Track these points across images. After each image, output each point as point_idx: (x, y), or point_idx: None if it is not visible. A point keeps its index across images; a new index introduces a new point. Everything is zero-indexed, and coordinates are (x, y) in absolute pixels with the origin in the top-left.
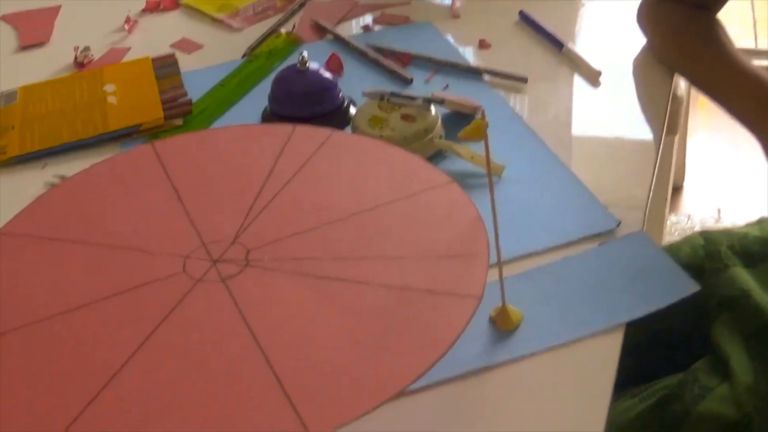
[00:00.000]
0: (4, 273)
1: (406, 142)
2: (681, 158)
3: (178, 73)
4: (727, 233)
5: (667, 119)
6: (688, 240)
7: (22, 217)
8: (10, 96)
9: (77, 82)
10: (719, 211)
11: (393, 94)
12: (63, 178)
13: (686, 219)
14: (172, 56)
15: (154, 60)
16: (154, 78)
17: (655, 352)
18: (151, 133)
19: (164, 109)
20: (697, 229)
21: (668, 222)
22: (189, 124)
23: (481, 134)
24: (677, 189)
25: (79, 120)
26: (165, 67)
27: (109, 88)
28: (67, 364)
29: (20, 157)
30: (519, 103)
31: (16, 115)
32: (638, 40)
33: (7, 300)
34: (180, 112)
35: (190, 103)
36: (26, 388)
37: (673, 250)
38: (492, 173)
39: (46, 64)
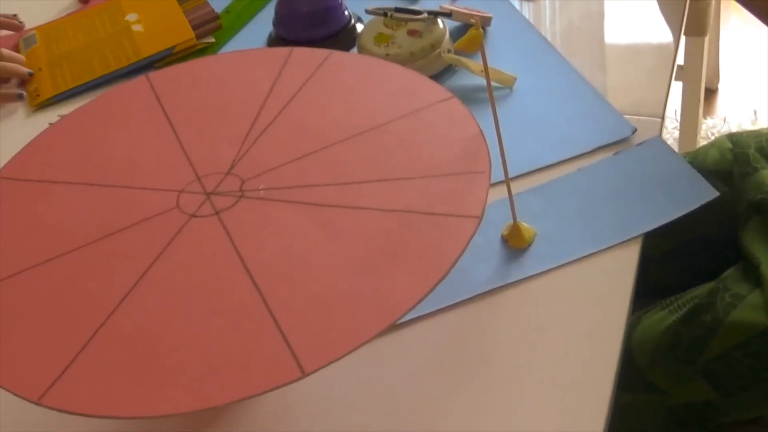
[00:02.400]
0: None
1: (413, 58)
2: (714, 60)
3: None
4: (756, 135)
5: (686, 18)
6: (715, 144)
7: (18, 160)
8: (29, 39)
9: (96, 16)
10: (755, 112)
11: (397, 10)
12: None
13: (722, 122)
14: None
15: None
16: (176, 1)
17: (684, 260)
18: (185, 54)
19: (193, 28)
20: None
21: (703, 126)
22: (220, 40)
23: (477, 45)
24: (712, 92)
25: (108, 51)
26: None
27: (132, 17)
28: (64, 305)
29: (56, 97)
30: (532, 11)
31: (41, 57)
32: None
33: (3, 245)
34: (210, 29)
35: (218, 18)
36: (24, 330)
37: (700, 154)
38: (503, 84)
39: (51, 4)
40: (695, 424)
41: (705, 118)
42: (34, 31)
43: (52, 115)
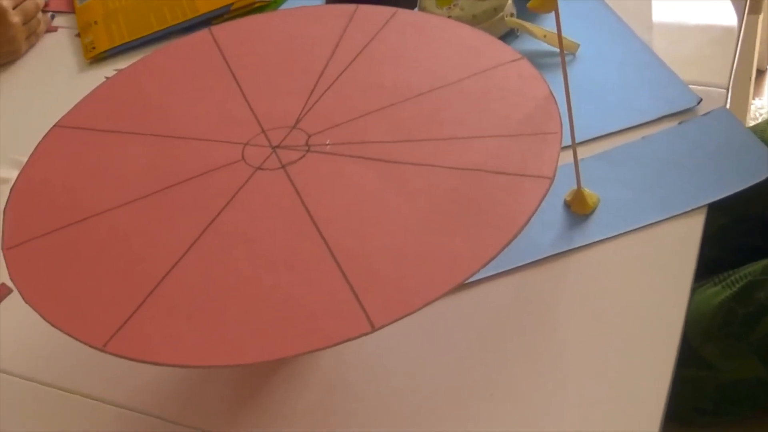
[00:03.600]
0: (62, 166)
1: (475, 21)
2: (765, 41)
3: None
4: None
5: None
6: None
7: (78, 110)
8: None
9: None
10: None
11: None
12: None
13: None
14: None
15: None
16: None
17: (738, 237)
18: (242, 11)
19: None
20: None
21: (752, 107)
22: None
23: (551, 4)
24: (761, 73)
25: (165, 7)
26: None
27: None
28: (130, 252)
29: (112, 50)
30: None
31: (96, 11)
32: None
33: (67, 193)
34: None
35: None
36: (89, 277)
37: (758, 131)
38: (566, 51)
39: None
40: (746, 402)
41: (753, 98)
42: None
43: (108, 69)
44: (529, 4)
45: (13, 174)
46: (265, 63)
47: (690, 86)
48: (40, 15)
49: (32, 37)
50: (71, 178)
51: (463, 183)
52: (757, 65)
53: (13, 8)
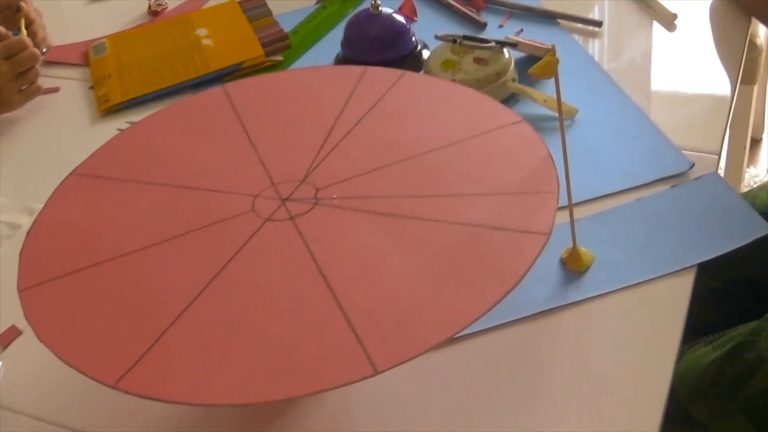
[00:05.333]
0: (78, 212)
1: (479, 85)
2: (760, 110)
3: (270, 13)
4: None
5: (743, 66)
6: (764, 187)
7: (93, 159)
8: (99, 47)
9: (167, 28)
10: None
11: (466, 37)
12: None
13: (765, 172)
14: None
15: (241, 3)
16: (246, 19)
17: (729, 300)
18: (253, 69)
19: (263, 46)
20: None
21: (746, 175)
22: (288, 59)
23: (551, 71)
24: (756, 141)
25: (178, 63)
26: (255, 9)
27: (202, 32)
28: (144, 296)
29: (125, 103)
30: (594, 47)
31: (110, 64)
32: None
33: (82, 238)
34: (279, 48)
35: (287, 37)
36: (104, 318)
37: (749, 197)
38: (565, 116)
39: (121, 14)
40: None
41: (748, 166)
42: (104, 40)
43: (120, 122)
44: (530, 71)
45: (26, 220)
46: (276, 119)
47: (683, 151)
48: (38, 66)
49: (30, 88)
50: (86, 224)
51: (465, 237)
52: (752, 134)
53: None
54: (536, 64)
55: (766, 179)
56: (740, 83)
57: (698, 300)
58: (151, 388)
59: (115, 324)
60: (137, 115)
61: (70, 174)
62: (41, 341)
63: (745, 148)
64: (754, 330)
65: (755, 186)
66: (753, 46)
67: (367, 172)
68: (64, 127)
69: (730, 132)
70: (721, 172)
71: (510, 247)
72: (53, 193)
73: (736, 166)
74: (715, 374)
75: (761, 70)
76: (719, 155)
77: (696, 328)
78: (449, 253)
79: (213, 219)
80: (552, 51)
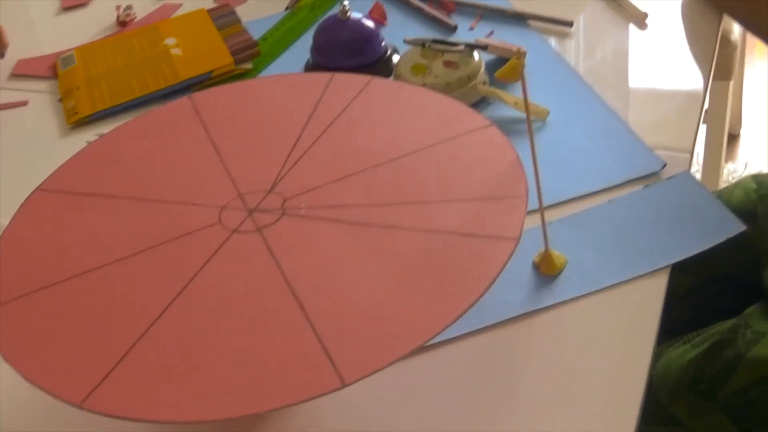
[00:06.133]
0: (43, 228)
1: (449, 89)
2: (737, 106)
3: (238, 21)
4: None
5: (714, 62)
6: (740, 184)
7: (60, 173)
8: (67, 59)
9: (135, 39)
10: None
11: (435, 41)
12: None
13: (743, 167)
14: (227, 6)
15: (209, 11)
16: (215, 27)
17: (707, 298)
18: (223, 78)
19: (232, 54)
20: None
21: (725, 170)
22: (258, 67)
23: (517, 74)
24: (734, 137)
25: (147, 73)
26: (223, 17)
27: (170, 41)
28: (108, 313)
29: (94, 115)
30: (565, 47)
31: (79, 76)
32: None
33: (48, 254)
34: (248, 56)
35: (256, 45)
36: (68, 336)
37: (725, 194)
38: (536, 117)
39: (89, 25)
40: None
41: (726, 162)
42: (72, 52)
43: (90, 134)
44: (496, 74)
45: None
46: (243, 129)
47: (656, 151)
48: None
49: None
50: (52, 240)
51: (433, 245)
52: (730, 129)
53: None
54: (502, 68)
55: (744, 174)
56: (715, 79)
57: (676, 298)
58: (116, 406)
59: (81, 341)
60: (107, 127)
61: (36, 189)
62: (7, 361)
63: (723, 144)
64: (731, 328)
65: (731, 183)
66: (727, 42)
67: (334, 180)
68: (33, 141)
69: (707, 128)
70: (699, 168)
71: (479, 254)
72: (18, 209)
73: (713, 163)
74: (695, 373)
75: (736, 66)
76: (692, 153)
77: (674, 327)
78: (418, 261)
79: (180, 232)
80: (518, 54)
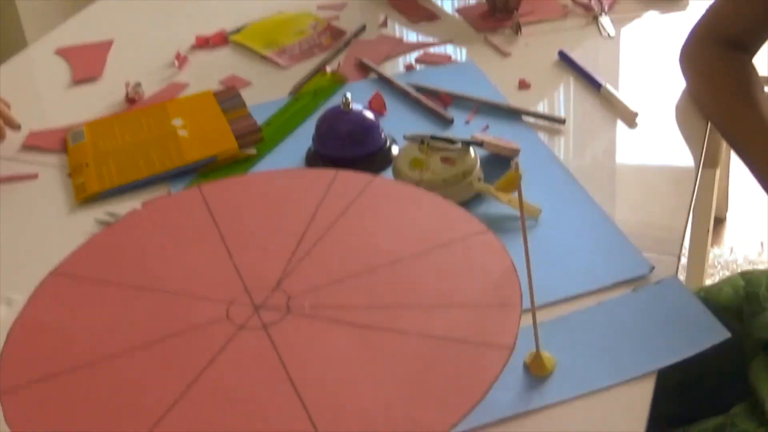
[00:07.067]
0: (55, 315)
1: (446, 185)
2: (723, 190)
3: (244, 105)
4: None
5: (702, 162)
6: (729, 281)
7: (74, 258)
8: (77, 134)
9: (143, 117)
10: (762, 244)
11: (433, 138)
12: (113, 215)
13: (729, 251)
14: (234, 89)
15: (216, 93)
16: (221, 110)
17: (695, 393)
18: (227, 162)
19: (236, 138)
20: (740, 262)
21: (711, 255)
22: (261, 152)
23: (514, 186)
24: (720, 221)
25: (153, 153)
26: (229, 100)
27: (177, 122)
28: (113, 408)
29: (101, 193)
30: (557, 143)
31: (88, 152)
32: (677, 81)
33: (56, 343)
34: (252, 140)
35: (260, 130)
36: (82, 427)
37: (714, 291)
38: (528, 216)
39: (99, 99)
40: None
41: (712, 246)
42: (82, 127)
43: (97, 211)
44: (494, 186)
45: (4, 310)
46: (251, 223)
47: (644, 252)
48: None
49: None
50: (64, 326)
51: (431, 350)
52: (716, 213)
53: None
54: (500, 180)
55: (730, 259)
56: (703, 167)
57: (664, 393)
58: None
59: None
60: (115, 204)
61: (50, 273)
62: None
63: (709, 230)
64: (717, 427)
65: (720, 268)
66: (713, 130)
67: (337, 280)
68: (42, 215)
69: (693, 214)
70: (685, 252)
71: (474, 361)
72: (34, 292)
73: (699, 248)
74: None
75: (723, 153)
76: (678, 257)
77: (666, 421)
78: (416, 366)
79: (188, 325)
80: (516, 166)
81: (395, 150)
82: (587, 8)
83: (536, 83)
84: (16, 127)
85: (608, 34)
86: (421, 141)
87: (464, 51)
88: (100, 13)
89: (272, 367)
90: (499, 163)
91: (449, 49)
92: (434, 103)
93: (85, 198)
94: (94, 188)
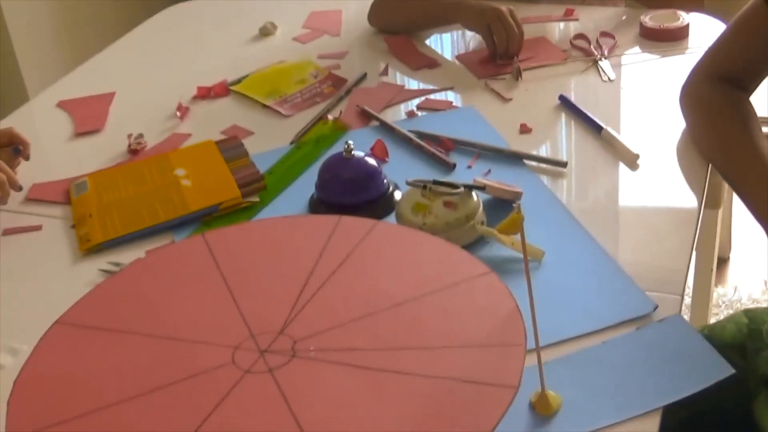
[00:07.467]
0: (60, 363)
1: (448, 228)
2: (726, 230)
3: (246, 154)
4: None
5: (704, 203)
6: (733, 318)
7: (78, 307)
8: (80, 185)
9: (145, 167)
10: (766, 283)
11: (435, 182)
12: (117, 265)
13: (733, 291)
14: (236, 138)
15: (218, 143)
16: (223, 159)
17: (700, 430)
18: (230, 211)
19: (239, 187)
20: (744, 301)
21: (714, 294)
22: (264, 200)
23: (517, 228)
24: (723, 261)
25: (157, 203)
26: (231, 149)
27: (180, 171)
28: None
29: (106, 243)
30: (559, 186)
31: (91, 203)
32: (677, 122)
33: (62, 391)
34: (255, 189)
35: (262, 179)
36: None
37: (718, 328)
38: (532, 258)
39: (101, 151)
40: None
41: (716, 286)
42: (85, 178)
43: (101, 261)
44: (497, 228)
45: (9, 360)
46: (255, 269)
47: (647, 292)
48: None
49: None
50: (71, 373)
51: (436, 390)
52: (719, 254)
53: None
54: (502, 222)
55: (734, 298)
56: (705, 207)
57: (671, 429)
58: None
59: None
60: (118, 254)
61: (55, 323)
62: None
63: (712, 270)
64: None
65: (724, 307)
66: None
67: (341, 324)
68: (46, 266)
69: (696, 255)
70: (689, 291)
71: (479, 401)
72: (39, 341)
73: (703, 288)
74: None
75: (726, 194)
76: (682, 296)
77: None
78: (422, 407)
79: (195, 370)
80: (518, 209)
81: (398, 195)
82: (587, 53)
83: (537, 127)
84: (17, 188)
85: (608, 78)
86: (423, 186)
87: (465, 97)
88: (101, 65)
89: (278, 410)
90: (502, 206)
91: (450, 96)
92: (436, 149)
93: (89, 248)
94: (98, 239)
